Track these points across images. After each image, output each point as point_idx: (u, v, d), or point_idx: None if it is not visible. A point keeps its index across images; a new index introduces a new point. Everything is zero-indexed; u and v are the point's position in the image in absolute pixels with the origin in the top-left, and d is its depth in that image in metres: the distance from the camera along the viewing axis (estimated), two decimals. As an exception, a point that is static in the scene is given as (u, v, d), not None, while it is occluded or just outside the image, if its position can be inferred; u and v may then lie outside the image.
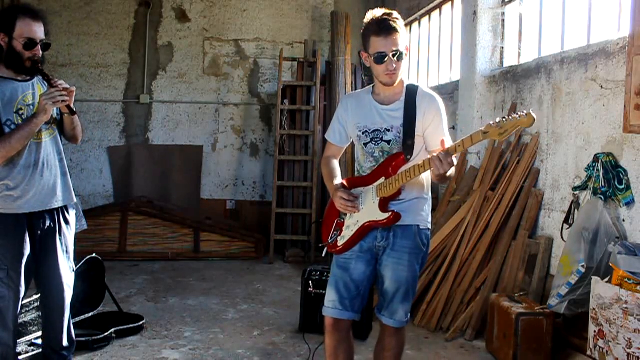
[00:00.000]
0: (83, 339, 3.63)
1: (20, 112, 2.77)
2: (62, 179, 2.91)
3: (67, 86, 2.75)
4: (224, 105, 7.67)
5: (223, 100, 7.67)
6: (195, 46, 7.60)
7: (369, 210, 2.56)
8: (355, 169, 2.72)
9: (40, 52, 2.80)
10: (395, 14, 2.54)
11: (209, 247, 6.64)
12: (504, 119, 2.24)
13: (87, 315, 4.12)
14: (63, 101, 2.71)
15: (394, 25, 2.48)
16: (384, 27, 2.48)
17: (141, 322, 4.14)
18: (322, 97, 6.99)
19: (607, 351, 2.91)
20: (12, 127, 2.72)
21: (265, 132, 7.73)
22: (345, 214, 2.64)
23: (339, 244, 2.63)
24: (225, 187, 7.70)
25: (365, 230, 2.57)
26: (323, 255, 2.77)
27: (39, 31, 2.77)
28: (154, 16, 7.51)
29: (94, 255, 4.19)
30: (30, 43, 2.74)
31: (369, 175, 2.59)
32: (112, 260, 5.99)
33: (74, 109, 2.81)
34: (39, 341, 3.34)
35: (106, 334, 3.82)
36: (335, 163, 2.78)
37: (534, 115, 2.20)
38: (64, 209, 2.94)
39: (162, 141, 7.58)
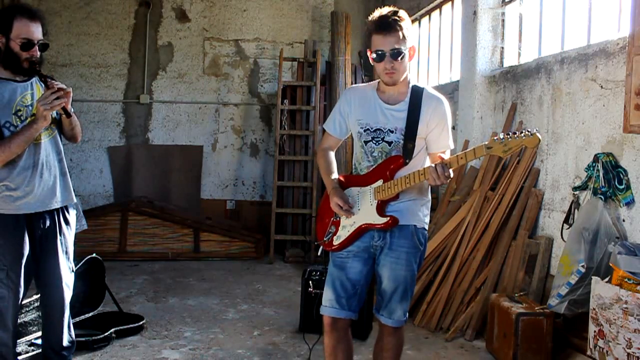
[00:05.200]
0: (83, 339, 3.63)
1: (19, 113, 2.75)
2: (61, 179, 2.90)
3: (64, 87, 2.72)
4: (224, 105, 7.66)
5: (223, 100, 7.66)
6: (195, 46, 7.59)
7: (366, 212, 2.54)
8: (353, 165, 2.68)
9: (38, 53, 2.77)
10: (402, 13, 2.47)
11: (209, 247, 6.64)
12: (509, 137, 2.22)
13: (87, 315, 4.12)
14: (59, 103, 2.69)
15: (395, 23, 2.42)
16: (383, 25, 2.43)
17: (141, 322, 4.14)
18: (322, 97, 6.98)
19: (607, 351, 2.90)
20: (11, 128, 2.71)
21: (265, 132, 7.73)
22: None
23: (334, 243, 2.61)
24: (225, 187, 7.69)
25: (362, 231, 2.56)
26: (319, 253, 2.77)
27: (36, 31, 2.75)
28: (154, 16, 7.50)
29: (94, 255, 4.19)
30: (28, 43, 2.72)
31: (366, 175, 2.57)
32: (112, 260, 5.99)
33: (70, 112, 2.79)
34: (39, 341, 3.34)
35: (106, 334, 3.82)
36: (332, 156, 2.74)
37: (539, 136, 2.19)
38: (63, 209, 2.93)
39: (162, 141, 7.57)
